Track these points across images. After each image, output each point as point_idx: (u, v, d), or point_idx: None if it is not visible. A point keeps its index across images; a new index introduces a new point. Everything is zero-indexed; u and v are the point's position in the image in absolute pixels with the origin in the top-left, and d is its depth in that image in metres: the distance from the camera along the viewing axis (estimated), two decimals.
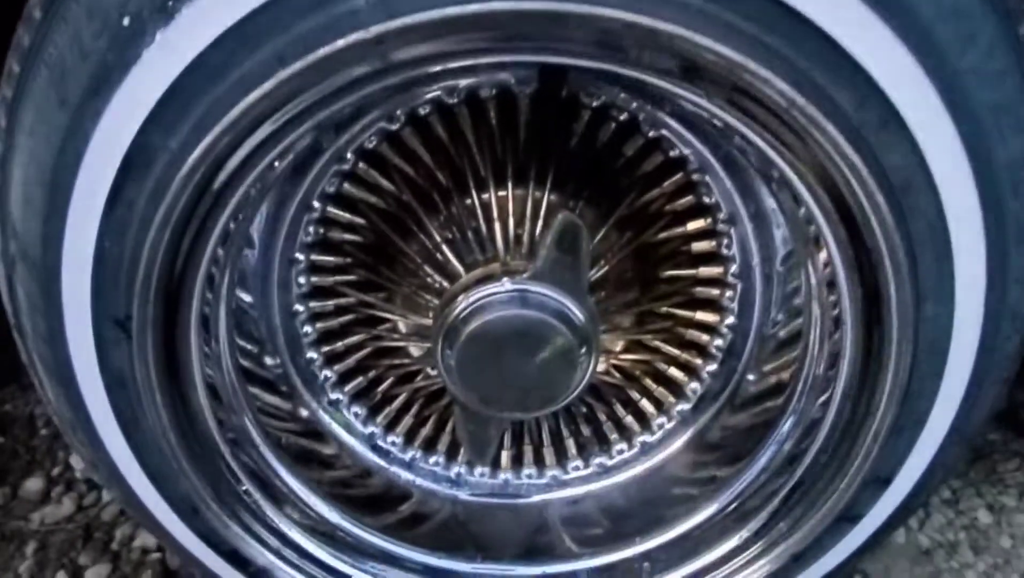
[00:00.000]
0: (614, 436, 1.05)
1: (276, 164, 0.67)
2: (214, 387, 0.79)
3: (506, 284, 0.79)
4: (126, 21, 0.55)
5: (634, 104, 0.81)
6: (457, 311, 0.80)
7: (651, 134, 0.84)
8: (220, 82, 0.56)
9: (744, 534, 0.87)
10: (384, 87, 0.61)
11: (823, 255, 0.72)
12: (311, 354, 0.97)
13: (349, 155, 0.85)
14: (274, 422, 0.93)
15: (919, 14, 0.54)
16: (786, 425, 0.87)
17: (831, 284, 0.73)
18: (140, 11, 0.55)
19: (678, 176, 0.87)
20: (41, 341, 0.70)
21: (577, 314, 0.80)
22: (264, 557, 0.85)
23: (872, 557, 1.30)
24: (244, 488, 0.82)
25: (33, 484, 1.30)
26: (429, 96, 0.80)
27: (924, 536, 1.36)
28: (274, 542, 0.85)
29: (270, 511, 0.84)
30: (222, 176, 0.61)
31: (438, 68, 0.59)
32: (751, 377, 0.97)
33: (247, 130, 0.58)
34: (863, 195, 0.60)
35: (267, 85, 0.55)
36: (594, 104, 0.82)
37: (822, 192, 0.62)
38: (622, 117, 0.83)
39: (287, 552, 0.86)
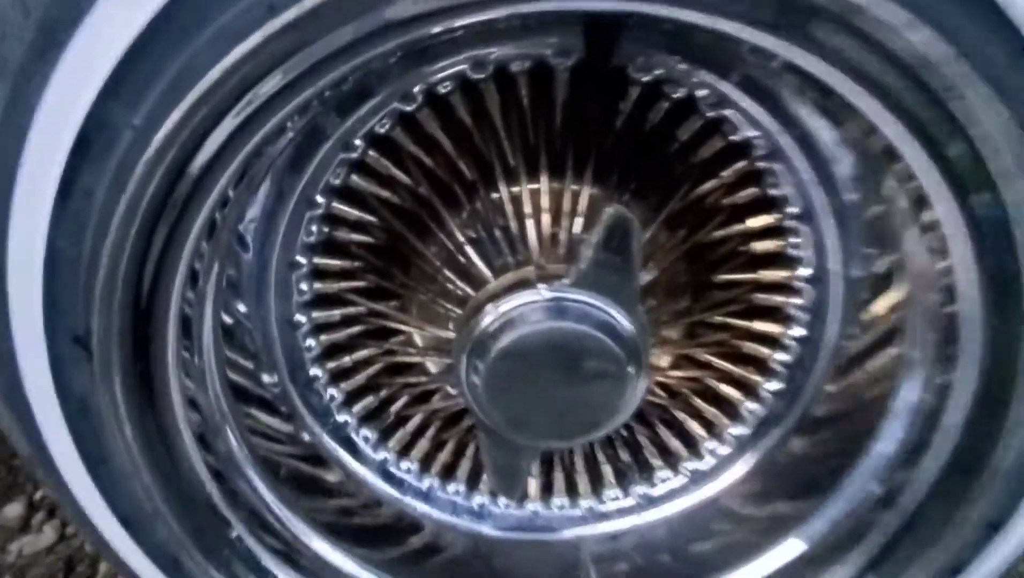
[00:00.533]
0: (657, 462, 0.94)
1: (267, 148, 0.55)
2: (198, 410, 0.67)
3: (543, 292, 0.69)
4: None
5: (694, 77, 0.69)
6: (485, 324, 0.70)
7: (711, 114, 0.73)
8: (194, 38, 0.44)
9: None
10: (398, 50, 0.49)
11: (935, 244, 0.58)
12: (314, 371, 0.87)
13: (357, 141, 0.74)
14: (271, 448, 0.82)
15: None
16: (876, 455, 0.74)
17: (945, 283, 0.60)
18: None
19: (741, 164, 0.76)
20: None
21: (626, 326, 0.69)
22: None
23: None
24: (234, 534, 0.70)
25: (12, 510, 1.19)
26: (450, 71, 0.69)
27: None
28: None
29: (266, 561, 0.72)
30: (200, 159, 0.49)
31: (458, 23, 0.46)
32: (824, 397, 0.84)
33: (228, 100, 0.46)
34: (1009, 159, 0.47)
35: (253, 40, 0.43)
36: (645, 79, 0.70)
37: (955, 172, 0.49)
38: (677, 94, 0.72)
39: None
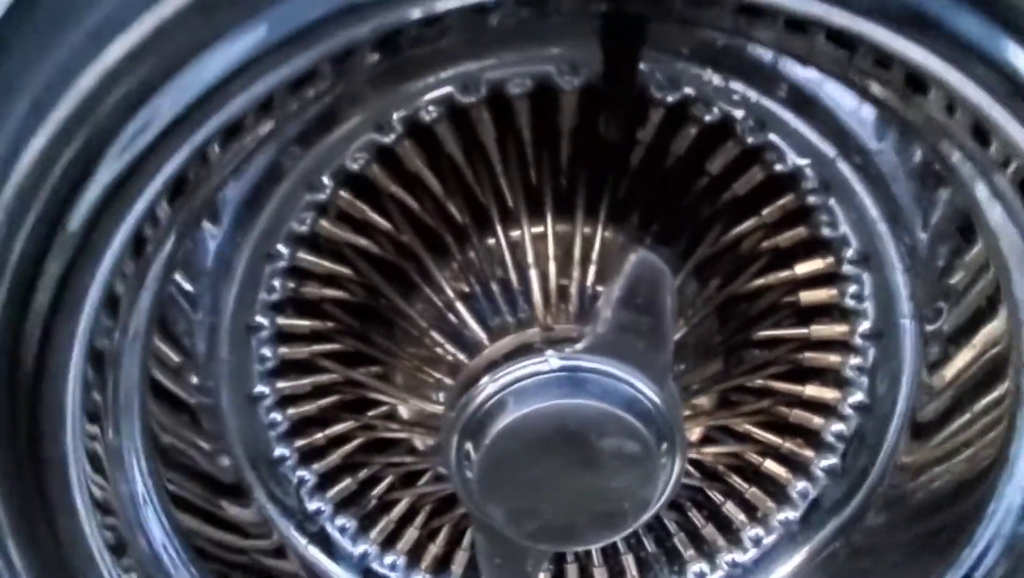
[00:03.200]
0: (689, 552, 0.83)
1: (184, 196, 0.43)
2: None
3: (551, 360, 0.58)
4: None
5: (730, 94, 0.59)
6: (480, 399, 0.59)
7: (750, 140, 0.63)
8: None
9: None
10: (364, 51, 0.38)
11: None
12: (280, 450, 0.76)
13: (325, 180, 0.65)
14: (220, 550, 0.71)
15: None
16: (977, 550, 0.60)
17: None
18: None
19: (787, 199, 0.66)
20: None
21: (655, 401, 0.58)
22: None
23: None
24: None
25: None
26: (435, 93, 0.61)
27: None
28: None
29: None
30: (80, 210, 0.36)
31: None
32: (899, 476, 0.73)
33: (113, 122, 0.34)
34: None
35: (143, 28, 0.31)
36: (670, 99, 0.62)
37: None
38: (709, 117, 0.62)
39: None
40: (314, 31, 0.34)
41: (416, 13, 0.34)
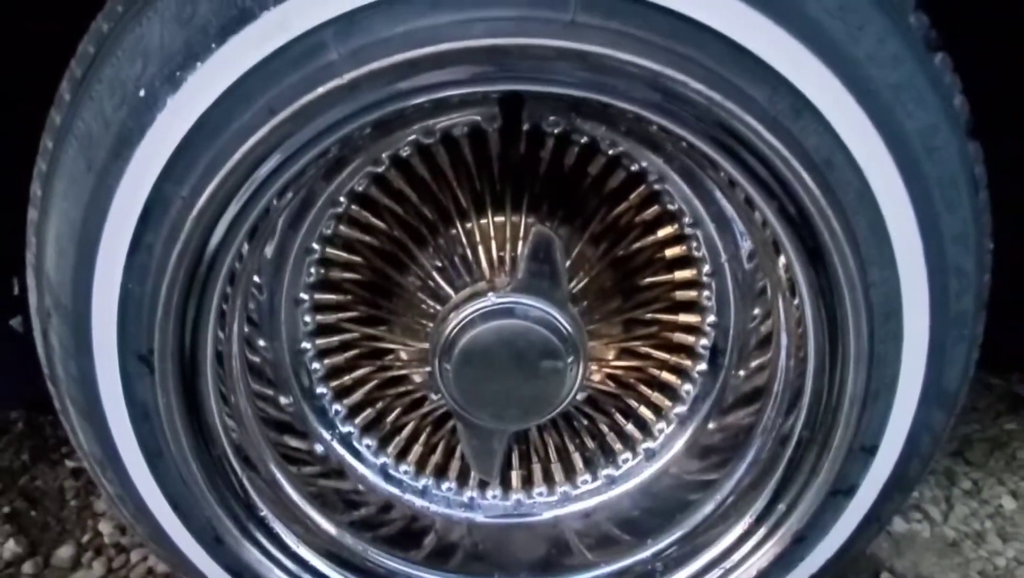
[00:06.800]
0: (618, 446, 1.10)
1: (274, 204, 0.76)
2: (231, 419, 0.85)
3: (491, 298, 0.87)
4: (142, 92, 0.66)
5: (589, 127, 0.89)
6: (450, 328, 0.88)
7: (611, 152, 0.92)
8: (222, 134, 0.66)
9: (748, 520, 0.90)
10: (363, 127, 0.71)
11: (769, 233, 0.78)
12: (321, 389, 1.04)
13: (342, 199, 0.94)
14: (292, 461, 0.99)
15: (806, 14, 0.63)
16: (772, 411, 0.91)
17: (787, 265, 0.79)
18: (152, 82, 0.66)
19: (641, 188, 0.95)
20: (73, 384, 0.78)
21: (560, 320, 0.87)
22: None
23: (898, 553, 1.29)
24: (263, 514, 0.87)
25: (64, 552, 1.34)
26: (408, 139, 0.89)
27: (949, 528, 1.36)
28: (296, 569, 0.89)
29: (289, 539, 0.89)
30: (227, 216, 0.70)
31: (407, 104, 0.68)
32: (739, 373, 1.01)
33: (246, 173, 0.68)
34: (790, 175, 0.67)
35: (260, 133, 0.65)
36: (555, 131, 0.91)
37: (757, 182, 0.70)
38: (583, 140, 0.92)
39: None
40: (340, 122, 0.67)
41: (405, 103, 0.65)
